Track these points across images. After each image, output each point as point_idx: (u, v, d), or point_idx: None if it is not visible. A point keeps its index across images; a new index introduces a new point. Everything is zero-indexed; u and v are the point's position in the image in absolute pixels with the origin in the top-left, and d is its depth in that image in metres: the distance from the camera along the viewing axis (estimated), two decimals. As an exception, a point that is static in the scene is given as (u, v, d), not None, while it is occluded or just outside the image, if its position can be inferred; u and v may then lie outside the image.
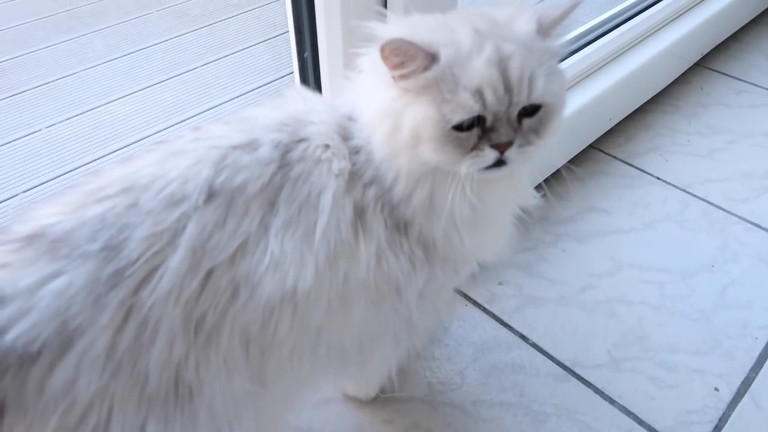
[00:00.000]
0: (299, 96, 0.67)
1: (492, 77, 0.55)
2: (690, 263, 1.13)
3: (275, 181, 0.57)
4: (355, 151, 0.62)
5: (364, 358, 0.70)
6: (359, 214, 0.61)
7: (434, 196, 0.62)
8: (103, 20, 2.01)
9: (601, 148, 1.39)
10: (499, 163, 0.58)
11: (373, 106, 0.60)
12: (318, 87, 0.86)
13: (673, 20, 1.53)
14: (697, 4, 1.59)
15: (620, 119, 1.43)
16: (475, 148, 0.57)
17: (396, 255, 0.63)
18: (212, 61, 1.83)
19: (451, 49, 0.55)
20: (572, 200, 1.26)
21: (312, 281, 0.57)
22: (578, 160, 1.34)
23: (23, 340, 0.47)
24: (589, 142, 1.37)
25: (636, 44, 1.43)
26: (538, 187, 1.21)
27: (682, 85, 1.59)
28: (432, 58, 0.55)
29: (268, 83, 1.72)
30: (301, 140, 0.60)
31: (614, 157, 1.37)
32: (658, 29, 1.49)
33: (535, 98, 0.57)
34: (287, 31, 1.89)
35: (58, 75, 1.74)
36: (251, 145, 0.58)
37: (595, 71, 1.32)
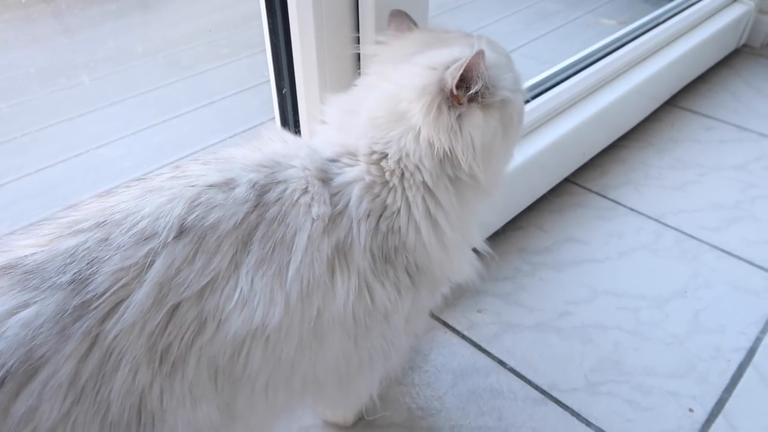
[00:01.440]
0: (279, 138, 0.70)
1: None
2: (664, 290, 1.16)
3: (250, 220, 0.59)
4: (335, 193, 0.64)
5: (343, 387, 0.72)
6: (341, 252, 0.63)
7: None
8: (98, 70, 2.08)
9: (577, 182, 1.44)
10: None
11: (484, 133, 0.66)
12: (296, 122, 0.90)
13: (643, 60, 1.60)
14: (665, 46, 1.67)
15: (595, 154, 1.49)
16: None
17: (383, 284, 0.65)
18: (202, 107, 1.89)
19: (491, 53, 0.65)
20: (549, 231, 1.30)
21: (280, 318, 0.58)
22: (555, 192, 1.39)
23: None
24: (565, 176, 1.42)
25: (608, 82, 1.50)
26: (516, 219, 1.26)
27: (655, 122, 1.66)
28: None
29: (255, 126, 1.78)
30: (279, 182, 0.63)
31: (589, 190, 1.42)
32: (630, 68, 1.56)
33: None
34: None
35: (51, 121, 1.80)
36: (228, 185, 0.60)
37: (569, 107, 1.38)
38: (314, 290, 0.61)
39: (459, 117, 0.64)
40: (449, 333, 1.07)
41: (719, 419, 0.93)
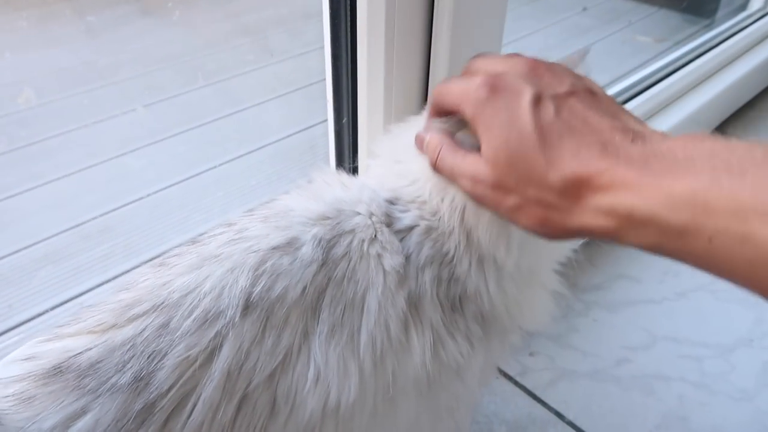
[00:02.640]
0: (338, 182, 0.63)
1: None
2: (727, 337, 1.08)
3: (318, 283, 0.53)
4: (402, 238, 0.58)
5: None
6: (413, 304, 0.57)
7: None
8: (120, 73, 2.02)
9: (626, 213, 1.37)
10: None
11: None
12: (354, 153, 0.84)
13: (689, 91, 1.54)
14: (712, 75, 1.60)
15: (644, 184, 1.42)
16: None
17: (454, 337, 0.58)
18: (228, 115, 1.82)
19: None
20: (600, 266, 1.23)
21: (357, 392, 0.52)
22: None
23: None
24: (615, 207, 1.35)
25: (653, 114, 1.43)
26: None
27: (702, 150, 1.59)
28: None
29: (285, 138, 1.72)
30: (345, 233, 0.56)
31: (640, 222, 1.35)
32: (676, 99, 1.50)
33: None
34: (299, 88, 1.91)
35: (72, 126, 1.73)
36: (291, 245, 0.54)
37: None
38: (389, 352, 0.54)
39: None
40: (501, 379, 1.00)
41: (799, 489, 0.86)
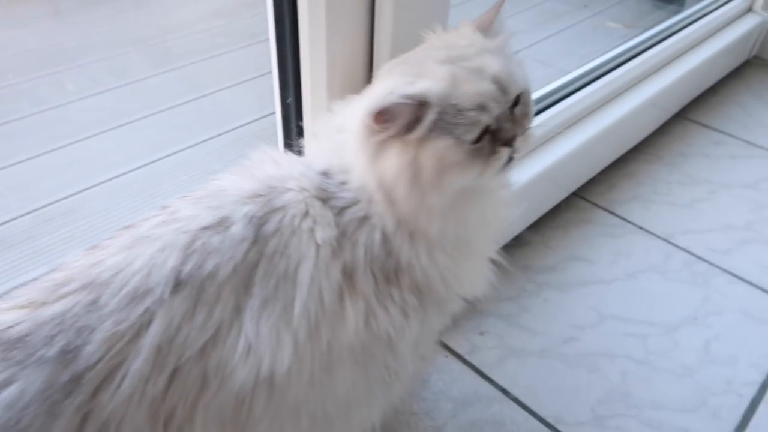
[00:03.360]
0: (271, 159, 0.64)
1: (486, 89, 0.58)
2: (673, 316, 1.11)
3: (249, 260, 0.54)
4: (338, 212, 0.60)
5: (350, 419, 0.67)
6: (348, 276, 0.58)
7: (447, 225, 0.62)
8: (88, 55, 2.00)
9: (584, 196, 1.39)
10: (509, 159, 0.61)
11: (385, 168, 0.58)
12: (300, 133, 0.84)
13: (654, 73, 1.55)
14: (677, 58, 1.62)
15: (602, 168, 1.44)
16: (490, 153, 0.59)
17: (386, 308, 0.60)
18: (195, 99, 1.81)
19: (435, 89, 0.56)
20: (555, 248, 1.25)
21: (290, 362, 0.54)
22: (561, 207, 1.34)
23: None
24: (572, 190, 1.37)
25: (619, 95, 1.44)
26: (521, 234, 1.21)
27: (663, 135, 1.61)
28: (425, 105, 0.56)
29: (250, 122, 1.71)
30: (276, 210, 0.58)
31: (597, 205, 1.37)
32: (642, 81, 1.51)
33: (520, 87, 0.61)
34: (270, 72, 1.90)
35: (36, 109, 1.72)
36: (222, 224, 0.55)
37: (578, 121, 1.33)
38: (323, 322, 0.56)
39: (381, 147, 0.59)
40: (450, 357, 1.02)
41: (731, 460, 0.89)
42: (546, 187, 1.24)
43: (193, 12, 2.37)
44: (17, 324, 0.49)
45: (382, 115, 0.55)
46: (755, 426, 0.94)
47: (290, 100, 0.80)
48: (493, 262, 0.71)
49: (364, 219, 0.60)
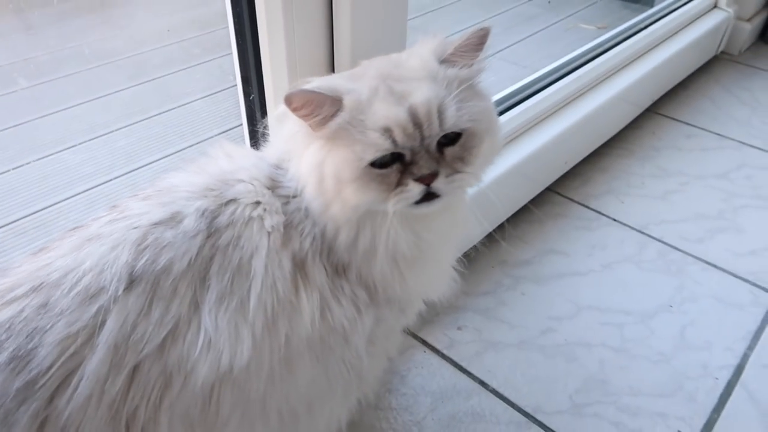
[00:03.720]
0: (224, 154, 0.64)
1: (397, 115, 0.54)
2: (648, 304, 1.12)
3: (204, 253, 0.54)
4: (285, 201, 0.60)
5: (314, 416, 0.66)
6: (299, 265, 0.58)
7: (374, 239, 0.60)
8: (60, 70, 1.99)
9: (558, 191, 1.40)
10: (430, 196, 0.56)
11: (303, 162, 0.58)
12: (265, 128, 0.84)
13: (624, 67, 1.57)
14: (646, 53, 1.65)
15: (576, 162, 1.45)
16: (399, 184, 0.56)
17: (339, 301, 0.60)
18: (170, 110, 1.81)
19: (353, 95, 0.55)
20: (530, 242, 1.26)
21: (249, 355, 0.53)
22: (536, 202, 1.35)
23: None
24: (547, 185, 1.38)
25: (589, 90, 1.46)
26: (497, 230, 1.21)
27: (635, 130, 1.63)
28: (337, 103, 0.55)
29: (226, 131, 1.71)
30: (228, 202, 0.57)
31: (571, 199, 1.38)
32: (611, 76, 1.53)
33: (450, 127, 0.56)
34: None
35: (7, 123, 1.70)
36: (174, 219, 0.55)
37: (550, 115, 1.34)
38: (280, 314, 0.56)
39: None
40: (428, 352, 1.02)
41: (708, 442, 0.90)
42: (519, 181, 1.25)
43: (167, 24, 2.37)
44: None
45: (300, 101, 0.54)
46: (731, 407, 0.94)
47: (253, 96, 0.80)
48: (451, 267, 0.70)
49: (307, 210, 0.60)
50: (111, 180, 1.50)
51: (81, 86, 1.91)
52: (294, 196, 0.60)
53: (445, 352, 1.02)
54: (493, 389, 0.96)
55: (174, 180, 0.60)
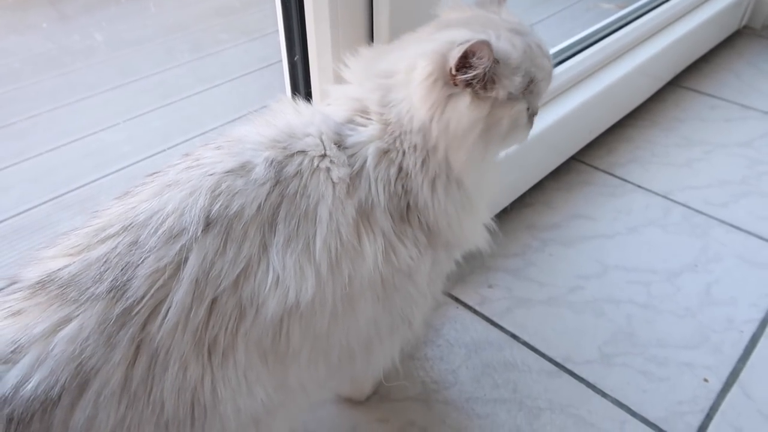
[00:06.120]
0: (292, 108, 0.68)
1: (549, 65, 0.69)
2: (674, 264, 1.15)
3: (272, 200, 0.58)
4: (352, 154, 0.64)
5: (369, 356, 0.71)
6: (364, 213, 0.62)
7: (487, 181, 0.71)
8: (94, 56, 2.06)
9: (584, 160, 1.43)
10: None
11: (454, 120, 0.63)
12: (308, 93, 0.89)
13: (645, 40, 1.60)
14: (667, 26, 1.66)
15: (601, 132, 1.48)
16: (529, 122, 0.69)
17: (404, 243, 0.65)
18: (203, 91, 1.87)
19: (517, 53, 0.64)
20: (557, 208, 1.29)
21: (313, 292, 0.58)
22: (562, 170, 1.38)
23: (43, 387, 0.49)
24: (572, 154, 1.41)
25: (612, 62, 1.49)
26: (524, 196, 1.25)
27: (659, 102, 1.65)
28: (497, 62, 0.62)
29: (256, 110, 1.76)
30: (296, 153, 0.61)
31: (596, 168, 1.41)
32: (632, 48, 1.55)
33: None
34: (275, 62, 1.94)
35: (48, 107, 1.77)
36: (244, 168, 0.59)
37: (573, 86, 1.37)
38: (343, 257, 0.60)
39: (449, 96, 0.62)
40: (461, 308, 1.06)
41: (734, 389, 0.93)
42: (545, 149, 1.29)
43: (194, 12, 2.43)
44: (66, 266, 0.53)
45: (467, 59, 0.60)
46: (756, 358, 0.97)
47: (297, 57, 0.85)
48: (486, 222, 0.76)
49: (383, 154, 0.64)
50: (148, 157, 1.56)
51: (114, 72, 1.98)
52: (364, 144, 0.64)
53: (477, 308, 1.06)
54: (524, 341, 1.00)
55: (243, 131, 0.64)
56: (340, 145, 0.64)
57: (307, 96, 0.90)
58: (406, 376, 0.94)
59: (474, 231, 0.73)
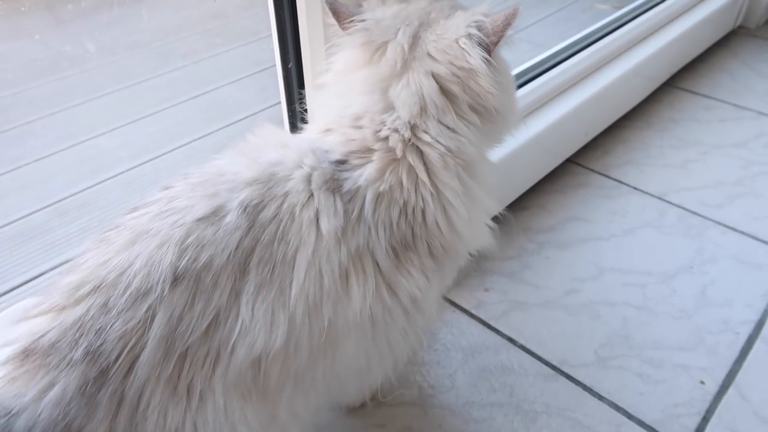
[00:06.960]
0: (278, 142, 0.66)
1: None
2: (670, 266, 1.15)
3: (245, 246, 0.57)
4: (349, 200, 0.62)
5: (363, 378, 0.72)
6: (357, 258, 0.61)
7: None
8: (90, 61, 2.06)
9: (579, 162, 1.43)
10: None
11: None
12: (301, 98, 0.89)
13: (641, 41, 1.60)
14: (662, 27, 1.67)
15: (596, 134, 1.48)
16: None
17: (410, 273, 0.64)
18: (198, 96, 1.87)
19: None
20: (553, 211, 1.29)
21: (284, 339, 0.58)
22: (557, 173, 1.38)
23: None
24: (567, 156, 1.41)
25: (607, 63, 1.49)
26: (519, 200, 1.25)
27: (654, 103, 1.66)
28: None
29: (254, 113, 1.77)
30: (275, 198, 0.60)
31: (592, 170, 1.41)
32: (628, 49, 1.56)
33: None
34: (271, 66, 1.94)
35: (44, 112, 1.77)
36: (217, 214, 0.58)
37: (568, 88, 1.38)
38: (324, 301, 0.60)
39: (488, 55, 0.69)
40: (457, 312, 1.06)
41: (731, 390, 0.93)
42: (540, 151, 1.29)
43: (189, 16, 2.44)
44: (47, 332, 0.55)
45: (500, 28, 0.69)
46: (752, 360, 0.98)
47: (291, 65, 0.85)
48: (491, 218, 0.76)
49: (382, 196, 0.63)
50: (145, 162, 1.56)
51: (110, 77, 1.98)
52: (360, 188, 0.63)
53: (473, 311, 1.06)
54: (521, 345, 1.01)
55: (223, 166, 0.63)
56: (334, 190, 0.62)
57: (301, 100, 0.90)
58: (403, 380, 0.94)
59: (481, 230, 0.73)
